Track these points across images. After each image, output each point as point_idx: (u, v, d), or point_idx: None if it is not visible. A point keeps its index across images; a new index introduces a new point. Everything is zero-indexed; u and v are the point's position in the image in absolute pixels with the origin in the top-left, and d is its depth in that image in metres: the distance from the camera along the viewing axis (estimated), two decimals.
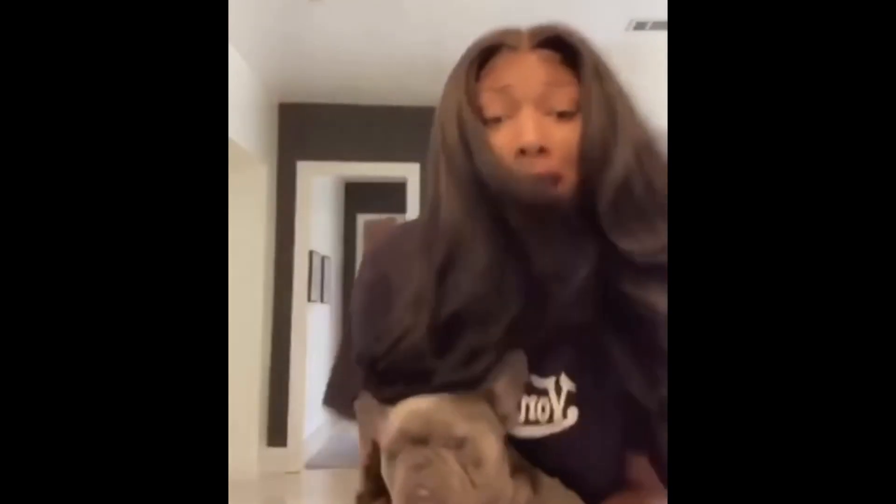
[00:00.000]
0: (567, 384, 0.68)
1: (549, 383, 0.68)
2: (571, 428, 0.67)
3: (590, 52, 0.70)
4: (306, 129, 4.61)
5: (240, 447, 4.07)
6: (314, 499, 4.24)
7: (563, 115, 0.68)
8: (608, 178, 0.65)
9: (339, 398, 0.74)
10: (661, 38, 3.43)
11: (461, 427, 0.63)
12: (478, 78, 0.70)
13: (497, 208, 0.65)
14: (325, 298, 6.02)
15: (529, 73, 0.68)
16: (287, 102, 4.63)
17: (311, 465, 4.62)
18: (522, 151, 0.66)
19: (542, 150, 0.66)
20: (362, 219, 7.10)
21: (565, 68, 0.70)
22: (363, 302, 0.75)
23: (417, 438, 0.63)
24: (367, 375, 0.68)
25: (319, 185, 5.73)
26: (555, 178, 0.67)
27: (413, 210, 4.49)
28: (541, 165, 0.66)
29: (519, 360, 0.67)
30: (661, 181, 0.66)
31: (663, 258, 0.60)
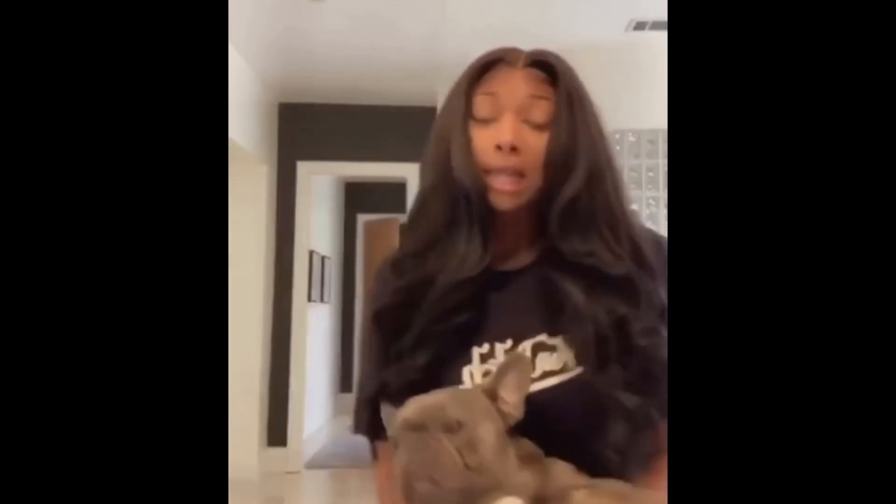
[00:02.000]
0: (571, 341, 0.82)
1: (557, 341, 0.82)
2: (583, 373, 0.80)
3: (569, 78, 0.85)
4: (306, 129, 4.61)
5: (240, 447, 4.07)
6: (314, 499, 4.24)
7: (538, 126, 0.83)
8: (562, 192, 0.82)
9: (364, 424, 0.87)
10: (661, 38, 3.43)
11: (455, 411, 0.68)
12: (477, 84, 0.85)
13: (470, 204, 0.82)
14: (325, 298, 6.03)
15: (516, 85, 0.84)
16: (287, 102, 4.63)
17: (311, 465, 4.62)
18: (499, 147, 0.81)
19: (514, 149, 0.81)
20: (362, 219, 7.10)
21: (548, 87, 0.84)
22: (364, 338, 0.93)
23: (415, 425, 0.68)
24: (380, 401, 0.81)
25: (319, 185, 5.73)
26: (520, 174, 0.82)
27: None
28: (511, 161, 0.81)
29: (524, 363, 0.76)
30: (604, 203, 0.83)
31: (588, 260, 0.80)
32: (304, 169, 4.62)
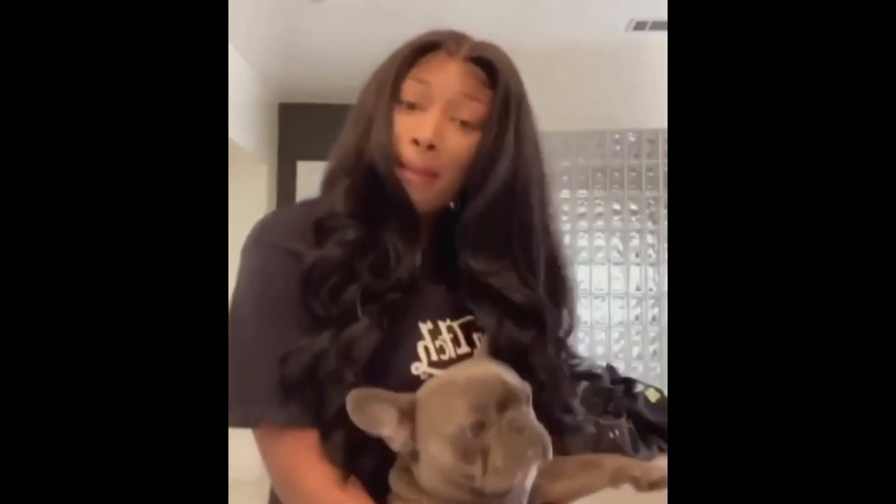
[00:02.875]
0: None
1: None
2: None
3: (508, 82, 0.79)
4: (306, 129, 4.61)
5: (240, 447, 4.07)
6: None
7: (464, 125, 0.77)
8: (474, 203, 0.77)
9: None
10: (661, 38, 3.42)
11: (517, 382, 0.69)
12: (410, 66, 0.79)
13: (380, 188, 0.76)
14: None
15: (450, 79, 0.78)
16: (287, 102, 4.63)
17: None
18: (416, 142, 0.76)
19: (431, 147, 0.75)
20: None
21: (483, 89, 0.78)
22: None
23: (502, 404, 0.66)
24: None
25: (319, 185, 5.71)
26: (434, 173, 0.77)
27: None
28: (427, 159, 0.76)
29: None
30: (524, 221, 0.78)
31: (494, 282, 0.77)
32: (304, 169, 4.62)
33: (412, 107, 0.78)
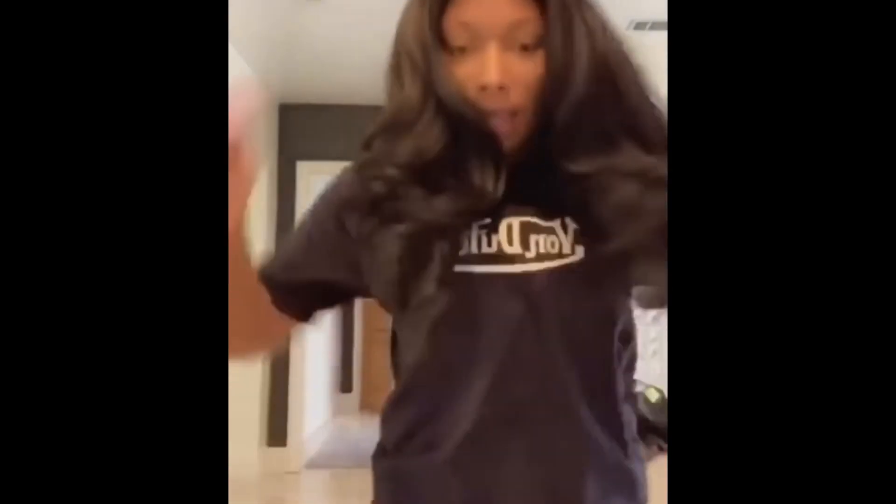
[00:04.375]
0: (572, 224, 0.75)
1: (554, 223, 0.75)
2: (581, 261, 0.74)
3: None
4: (306, 129, 4.61)
5: (240, 447, 4.07)
6: (314, 499, 4.24)
7: (524, 48, 0.72)
8: (563, 108, 0.71)
9: None
10: (661, 38, 3.42)
11: None
12: (446, 8, 0.73)
13: (453, 133, 0.72)
14: None
15: (495, 10, 0.71)
16: (287, 102, 4.63)
17: (311, 465, 4.62)
18: (484, 87, 0.71)
19: (502, 88, 0.71)
20: None
21: (530, 4, 0.72)
22: None
23: None
24: None
25: (319, 185, 5.72)
26: (513, 112, 0.73)
27: None
28: (501, 100, 0.72)
29: None
30: (626, 92, 0.74)
31: (605, 179, 0.71)
32: (304, 169, 4.62)
33: (463, 50, 0.73)
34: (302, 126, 4.62)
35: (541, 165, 0.75)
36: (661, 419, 2.04)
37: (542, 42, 0.72)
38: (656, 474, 0.81)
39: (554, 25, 0.72)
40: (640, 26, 3.41)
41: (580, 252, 0.75)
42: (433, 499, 0.76)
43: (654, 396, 2.13)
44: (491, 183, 0.73)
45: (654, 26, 3.40)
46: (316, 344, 5.36)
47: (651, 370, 3.43)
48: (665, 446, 1.99)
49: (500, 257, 0.74)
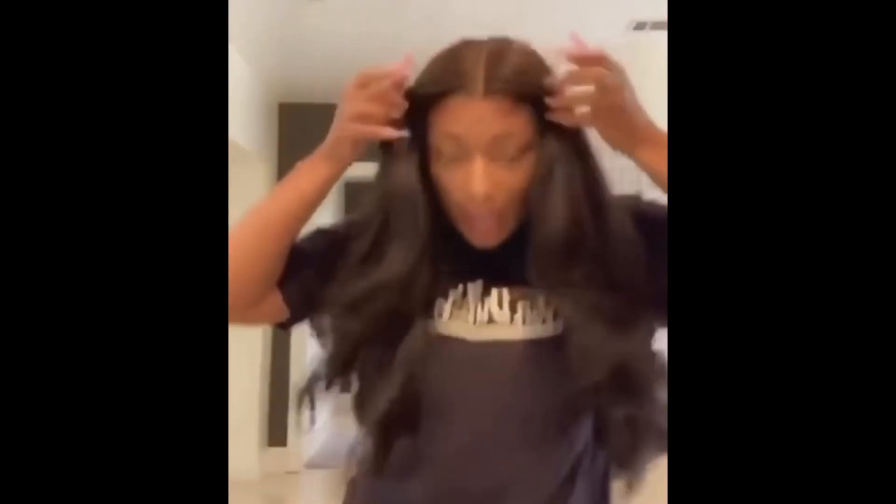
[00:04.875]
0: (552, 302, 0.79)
1: (538, 295, 0.79)
2: (562, 334, 0.78)
3: (543, 94, 0.74)
4: (306, 129, 4.60)
5: (240, 447, 4.07)
6: (314, 499, 4.24)
7: (511, 160, 0.75)
8: (545, 230, 0.75)
9: None
10: (661, 38, 3.42)
11: None
12: (434, 119, 0.76)
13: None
14: None
15: (481, 125, 0.74)
16: (287, 102, 4.63)
17: (311, 465, 4.61)
18: (472, 198, 0.75)
19: (488, 198, 0.75)
20: None
21: (517, 112, 0.74)
22: None
23: None
24: None
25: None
26: (499, 217, 0.77)
27: None
28: (487, 207, 0.75)
29: None
30: (599, 244, 0.76)
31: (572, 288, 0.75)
32: None
33: (452, 160, 0.76)
34: (302, 126, 4.61)
35: (522, 250, 0.79)
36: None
37: (529, 148, 0.75)
38: (656, 474, 0.81)
39: (534, 134, 0.75)
40: (640, 26, 3.41)
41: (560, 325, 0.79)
42: None
43: None
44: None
45: (654, 26, 3.40)
46: (316, 344, 5.35)
47: None
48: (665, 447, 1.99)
49: (491, 325, 0.79)
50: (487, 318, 0.79)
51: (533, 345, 0.78)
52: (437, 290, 0.80)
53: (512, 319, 0.79)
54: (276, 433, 4.49)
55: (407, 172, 0.79)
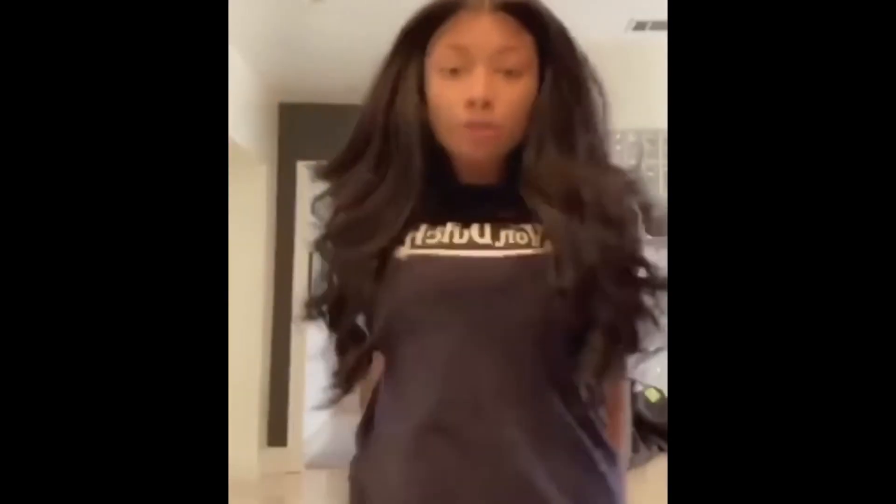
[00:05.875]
0: (541, 229, 0.81)
1: (527, 226, 0.81)
2: (547, 254, 0.78)
3: (549, 22, 0.80)
4: (306, 129, 4.61)
5: (240, 447, 4.07)
6: (314, 499, 4.24)
7: (512, 74, 0.79)
8: (540, 140, 0.79)
9: None
10: (661, 38, 3.42)
11: None
12: (437, 33, 0.80)
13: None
14: None
15: (486, 36, 0.78)
16: (287, 102, 4.63)
17: (311, 465, 4.62)
18: (471, 102, 0.77)
19: (487, 104, 0.77)
20: None
21: (520, 33, 0.79)
22: None
23: None
24: None
25: (319, 184, 5.72)
26: (496, 127, 0.79)
27: None
28: (485, 116, 0.78)
29: None
30: (586, 153, 0.80)
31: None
32: (304, 169, 4.62)
33: (455, 72, 0.79)
34: (302, 126, 4.61)
35: (514, 190, 0.81)
36: (661, 419, 2.04)
37: (528, 68, 0.79)
38: (656, 474, 0.81)
39: (537, 55, 0.79)
40: (640, 26, 3.41)
41: (548, 246, 0.80)
42: (390, 487, 0.80)
43: (654, 396, 2.13)
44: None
45: (654, 26, 3.40)
46: (316, 344, 5.36)
47: (651, 370, 3.42)
48: (665, 446, 1.99)
49: (471, 245, 0.81)
50: (467, 240, 0.81)
51: (512, 259, 0.79)
52: (419, 225, 0.82)
53: (494, 244, 0.80)
54: (276, 433, 4.49)
55: (404, 102, 0.81)
